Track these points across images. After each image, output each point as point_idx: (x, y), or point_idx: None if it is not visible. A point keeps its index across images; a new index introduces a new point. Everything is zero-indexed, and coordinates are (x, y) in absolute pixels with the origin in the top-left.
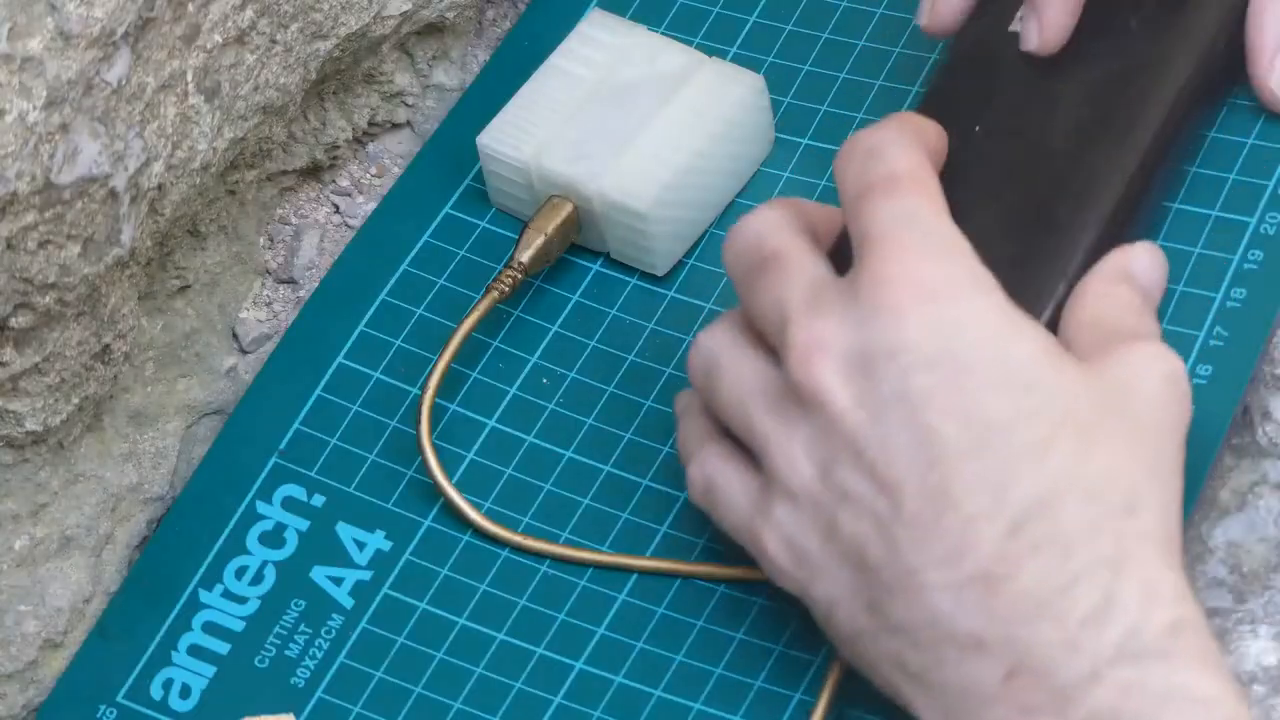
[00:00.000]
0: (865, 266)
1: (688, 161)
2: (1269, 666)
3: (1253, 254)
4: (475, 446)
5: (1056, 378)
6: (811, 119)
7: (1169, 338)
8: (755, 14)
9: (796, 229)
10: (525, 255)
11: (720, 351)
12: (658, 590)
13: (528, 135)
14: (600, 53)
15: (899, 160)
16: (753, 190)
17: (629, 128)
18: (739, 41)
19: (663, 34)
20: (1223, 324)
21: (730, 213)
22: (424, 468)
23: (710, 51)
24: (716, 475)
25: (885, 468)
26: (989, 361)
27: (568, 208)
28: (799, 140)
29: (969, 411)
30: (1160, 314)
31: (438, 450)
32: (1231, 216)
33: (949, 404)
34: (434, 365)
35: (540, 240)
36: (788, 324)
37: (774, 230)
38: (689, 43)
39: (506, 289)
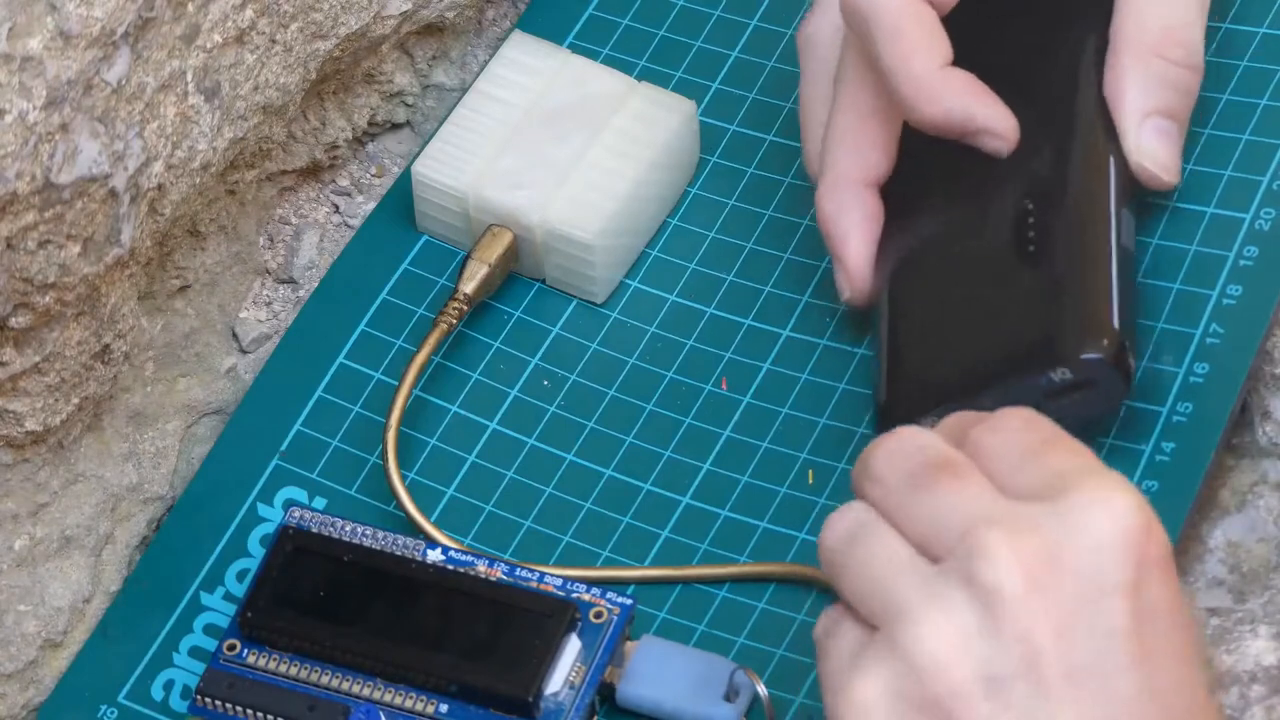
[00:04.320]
0: (1077, 491)
1: (629, 189)
2: (1269, 666)
3: (1248, 250)
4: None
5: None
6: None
7: (1167, 337)
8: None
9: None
10: (469, 287)
11: (868, 523)
12: (658, 595)
13: (463, 164)
14: (527, 77)
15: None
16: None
17: (566, 155)
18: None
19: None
20: (1219, 321)
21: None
22: (398, 504)
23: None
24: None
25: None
26: (1178, 629)
27: (508, 237)
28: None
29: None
30: (1157, 312)
31: (405, 478)
32: (1227, 213)
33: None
34: (392, 402)
35: (484, 271)
36: (979, 526)
37: (940, 443)
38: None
39: (454, 321)
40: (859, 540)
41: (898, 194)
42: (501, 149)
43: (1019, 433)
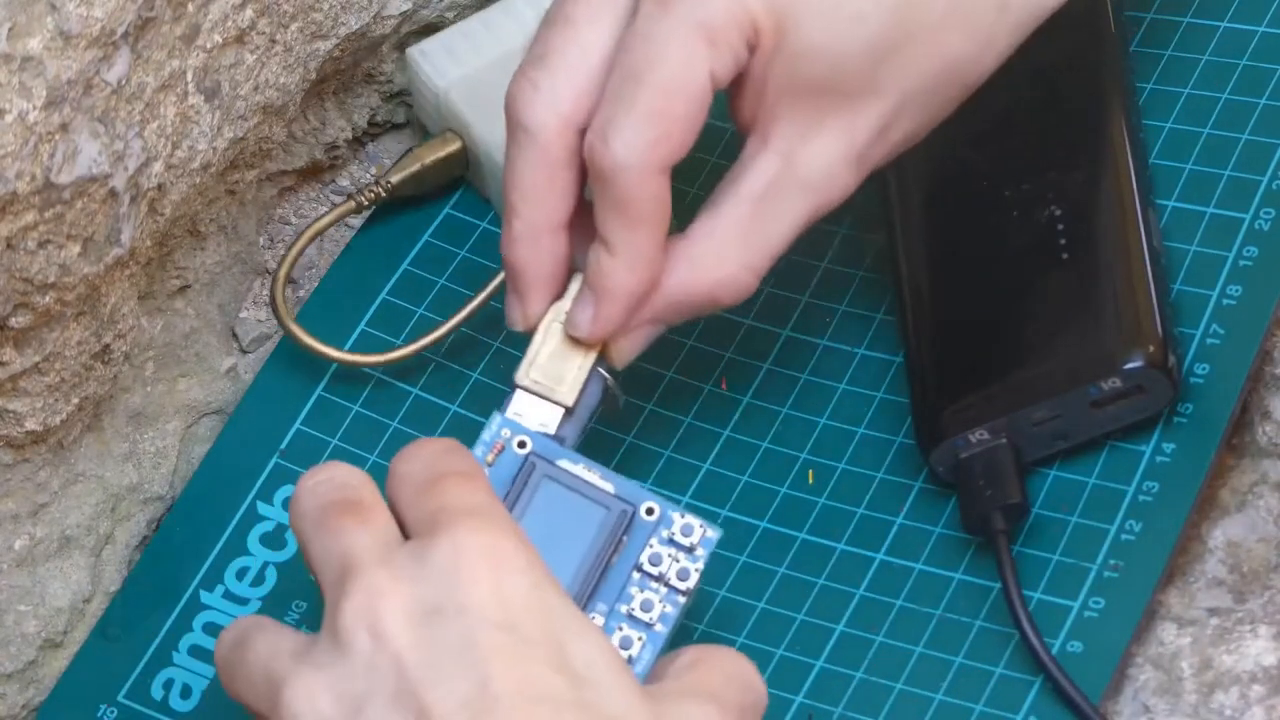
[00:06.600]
0: (442, 536)
1: None
2: (1269, 666)
3: (1248, 250)
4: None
5: (615, 681)
6: None
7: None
8: None
9: (375, 489)
10: (395, 176)
11: (252, 626)
12: None
13: (452, 65)
14: None
15: (470, 465)
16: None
17: None
18: None
19: None
20: (1219, 322)
21: None
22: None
23: None
24: None
25: (435, 706)
26: (552, 644)
27: (455, 144)
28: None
29: (528, 678)
30: None
31: None
32: (1227, 213)
33: (510, 667)
34: (287, 252)
35: (415, 167)
36: (355, 570)
37: (360, 483)
38: None
39: (365, 203)
40: (248, 639)
41: (916, 203)
42: (494, 65)
43: (421, 463)
